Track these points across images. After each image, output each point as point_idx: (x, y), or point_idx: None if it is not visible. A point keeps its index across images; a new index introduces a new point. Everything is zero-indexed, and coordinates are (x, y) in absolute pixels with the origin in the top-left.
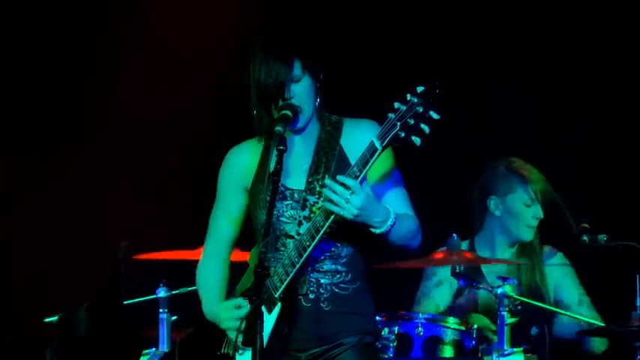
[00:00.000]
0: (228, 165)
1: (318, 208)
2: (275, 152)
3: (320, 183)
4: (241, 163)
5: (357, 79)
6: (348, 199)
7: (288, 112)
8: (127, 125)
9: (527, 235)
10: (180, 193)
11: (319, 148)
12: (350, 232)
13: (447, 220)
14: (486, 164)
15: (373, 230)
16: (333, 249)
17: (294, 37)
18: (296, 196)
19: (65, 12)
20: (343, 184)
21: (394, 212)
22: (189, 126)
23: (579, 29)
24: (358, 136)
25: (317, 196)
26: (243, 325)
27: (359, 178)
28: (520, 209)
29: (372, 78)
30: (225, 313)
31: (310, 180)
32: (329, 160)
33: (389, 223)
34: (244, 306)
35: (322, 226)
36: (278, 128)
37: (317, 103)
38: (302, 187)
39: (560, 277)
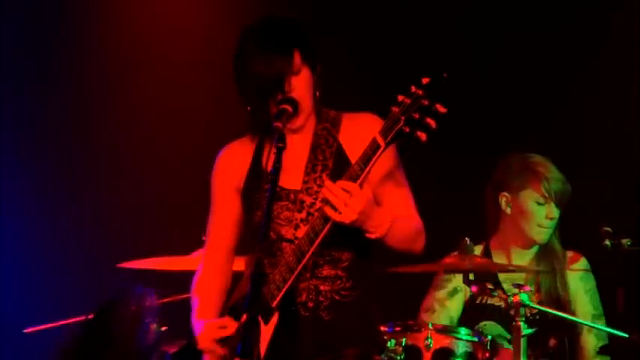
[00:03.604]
0: (219, 166)
1: (317, 210)
2: (272, 150)
3: (317, 182)
4: (233, 162)
5: (357, 70)
6: (347, 202)
7: (288, 107)
8: (113, 128)
9: (540, 235)
10: (172, 197)
11: (316, 145)
12: (351, 234)
13: (460, 223)
14: (501, 159)
15: (368, 235)
16: (332, 253)
17: (292, 25)
18: (292, 196)
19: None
20: (343, 186)
21: (391, 215)
22: (179, 128)
23: (591, 22)
24: (358, 132)
25: (314, 197)
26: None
27: (360, 178)
28: (532, 207)
29: (373, 70)
30: (206, 332)
31: (307, 179)
32: (326, 157)
33: (385, 227)
34: (229, 326)
35: (322, 230)
36: (277, 124)
37: (316, 97)
38: (298, 186)
39: (579, 287)
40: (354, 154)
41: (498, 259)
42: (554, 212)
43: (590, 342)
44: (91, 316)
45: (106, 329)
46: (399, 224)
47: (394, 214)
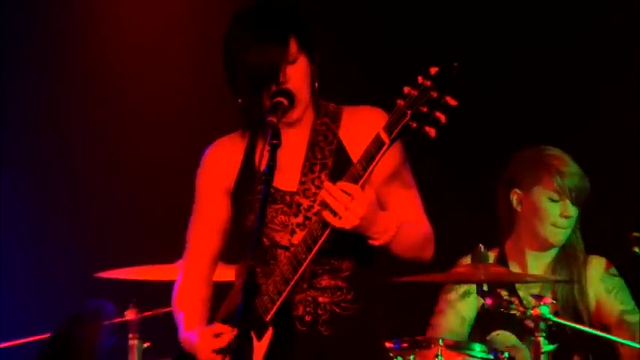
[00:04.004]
0: (206, 164)
1: (315, 214)
2: (266, 147)
3: (316, 183)
4: (222, 161)
5: (359, 60)
6: (347, 206)
7: (283, 99)
8: (92, 130)
9: (555, 236)
10: (153, 202)
11: (314, 141)
12: (352, 240)
13: (473, 227)
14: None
15: (372, 242)
16: (332, 261)
17: (288, 10)
18: (287, 198)
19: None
20: (343, 188)
21: (396, 220)
22: (163, 127)
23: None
24: (361, 128)
25: (312, 200)
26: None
27: (363, 179)
28: (544, 204)
29: (377, 60)
30: (203, 342)
31: (304, 180)
32: (325, 155)
33: (390, 234)
34: (226, 333)
35: (320, 236)
36: (271, 118)
37: (314, 89)
38: (294, 188)
39: (600, 290)
40: (356, 152)
41: (514, 264)
42: (570, 210)
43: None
44: (54, 333)
45: (68, 346)
46: (405, 230)
47: (400, 218)
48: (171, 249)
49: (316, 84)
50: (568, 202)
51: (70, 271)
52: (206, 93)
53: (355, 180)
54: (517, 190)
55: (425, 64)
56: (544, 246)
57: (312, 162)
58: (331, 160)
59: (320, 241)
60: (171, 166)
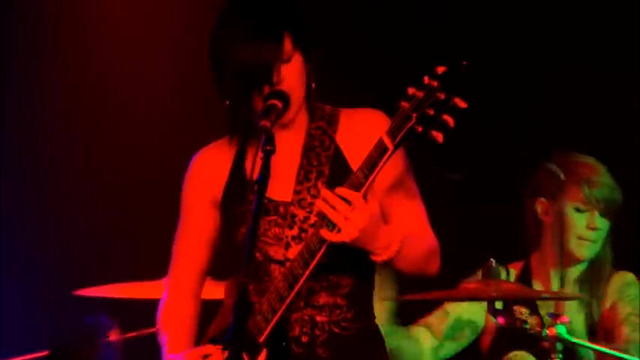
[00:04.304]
0: (192, 174)
1: (312, 226)
2: (258, 154)
3: (312, 193)
4: (209, 170)
5: (358, 57)
6: (347, 216)
7: (277, 102)
8: (75, 141)
9: (581, 250)
10: (138, 214)
11: (309, 147)
12: (353, 254)
13: (483, 240)
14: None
15: (374, 257)
16: (330, 277)
17: (281, 3)
18: (281, 209)
19: None
20: (342, 196)
21: (400, 234)
22: (146, 133)
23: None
24: (360, 132)
25: (308, 210)
26: None
27: (364, 187)
28: (570, 215)
29: (377, 58)
30: None
31: (299, 189)
32: (322, 162)
33: (393, 249)
34: (215, 355)
35: (318, 250)
36: (264, 122)
37: (310, 89)
38: (288, 198)
39: (619, 298)
40: (354, 158)
41: (538, 280)
42: (598, 222)
43: None
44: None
45: None
46: (410, 244)
47: (404, 231)
48: (157, 265)
49: (313, 84)
50: (596, 213)
51: (47, 288)
52: (191, 100)
53: (356, 189)
54: (542, 199)
55: (428, 63)
56: (570, 260)
57: (307, 169)
58: (328, 168)
59: (318, 256)
60: (157, 177)
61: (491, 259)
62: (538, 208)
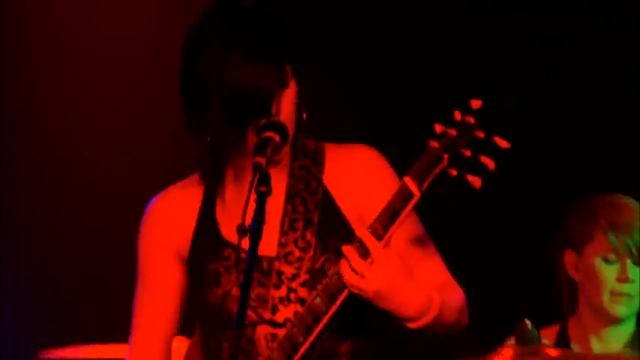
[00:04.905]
0: (152, 221)
1: (322, 284)
2: (251, 196)
3: (300, 245)
4: (172, 216)
5: (348, 84)
6: (364, 274)
7: (274, 135)
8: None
9: (615, 307)
10: (107, 265)
11: (293, 190)
12: (354, 314)
13: (514, 299)
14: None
15: (408, 325)
16: (326, 345)
17: (277, 18)
18: (265, 265)
19: None
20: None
21: (437, 294)
22: (117, 168)
23: None
24: (351, 172)
25: (297, 266)
26: None
27: (384, 241)
28: (598, 267)
29: (389, 83)
30: None
31: (284, 241)
32: (309, 209)
33: (432, 313)
34: None
35: (326, 312)
36: (259, 159)
37: (300, 121)
38: (272, 252)
39: None
40: (346, 203)
41: (576, 345)
42: (632, 272)
43: None
44: None
45: None
46: (446, 306)
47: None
48: (128, 324)
49: (304, 114)
50: (628, 262)
51: (9, 350)
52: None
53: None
54: (570, 251)
55: (461, 94)
56: (608, 321)
57: (293, 217)
58: (317, 215)
59: (328, 316)
60: (127, 218)
61: (526, 320)
62: (567, 263)
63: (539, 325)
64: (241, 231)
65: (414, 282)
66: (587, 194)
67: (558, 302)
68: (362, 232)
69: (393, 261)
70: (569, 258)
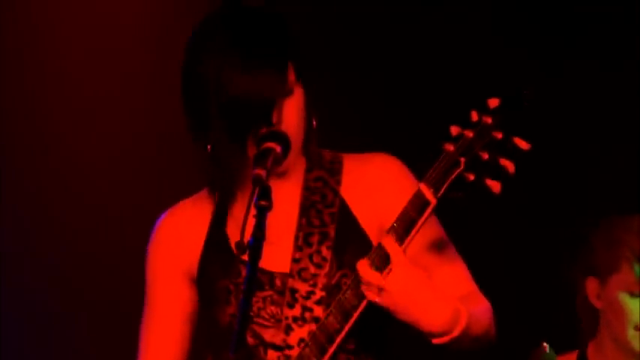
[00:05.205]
0: (159, 240)
1: (335, 301)
2: (250, 212)
3: (315, 261)
4: (181, 234)
5: (366, 91)
6: (380, 286)
7: (275, 145)
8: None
9: (639, 343)
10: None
11: (308, 203)
12: (370, 334)
13: (531, 320)
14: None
15: (434, 341)
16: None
17: (281, 22)
18: (278, 283)
19: None
20: (374, 259)
21: (464, 307)
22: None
23: None
24: (370, 182)
25: (312, 283)
26: None
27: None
28: (623, 301)
29: (400, 86)
30: None
31: (298, 257)
32: (325, 222)
33: (458, 329)
34: None
35: (340, 331)
36: (258, 171)
37: (310, 130)
38: (286, 268)
39: None
40: (365, 215)
41: None
42: None
43: None
44: None
45: None
46: (473, 318)
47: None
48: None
49: (314, 122)
50: None
51: None
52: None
53: (387, 257)
54: (593, 279)
55: (476, 93)
56: (632, 355)
57: (307, 231)
58: (334, 228)
59: (341, 335)
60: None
61: (544, 343)
62: (589, 291)
63: (557, 350)
64: (240, 248)
65: (439, 293)
66: (607, 206)
67: (576, 326)
68: (384, 239)
69: (413, 270)
70: (591, 286)
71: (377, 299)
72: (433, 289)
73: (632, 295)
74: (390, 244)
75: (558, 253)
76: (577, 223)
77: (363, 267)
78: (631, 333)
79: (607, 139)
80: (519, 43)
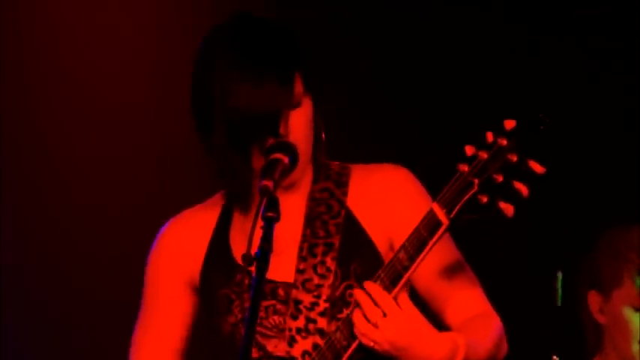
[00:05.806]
0: (162, 249)
1: (321, 314)
2: (257, 222)
3: (319, 272)
4: (184, 243)
5: (386, 98)
6: (377, 323)
7: (283, 156)
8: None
9: None
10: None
11: (313, 214)
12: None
13: (541, 334)
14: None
15: None
16: None
17: (289, 33)
18: (281, 293)
19: None
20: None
21: (462, 341)
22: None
23: None
24: (378, 193)
25: (316, 294)
26: None
27: (409, 273)
28: (627, 316)
29: (412, 97)
30: None
31: (303, 267)
32: (330, 233)
33: None
34: None
35: (347, 348)
36: (266, 182)
37: (319, 141)
38: (290, 278)
39: None
40: (373, 226)
41: None
42: None
43: None
44: None
45: None
46: (475, 345)
47: (465, 330)
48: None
49: (322, 134)
50: None
51: None
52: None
53: (398, 275)
54: (596, 293)
55: (492, 114)
56: None
57: (312, 242)
58: (339, 239)
59: (347, 355)
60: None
61: (554, 356)
62: (591, 304)
63: None
64: (247, 260)
65: (435, 332)
66: (610, 217)
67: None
68: (370, 285)
69: (410, 311)
70: (593, 299)
71: (372, 336)
72: (429, 328)
73: (637, 309)
74: (376, 291)
75: (566, 267)
76: (581, 236)
77: (363, 299)
78: (636, 348)
79: (609, 148)
80: (538, 58)
